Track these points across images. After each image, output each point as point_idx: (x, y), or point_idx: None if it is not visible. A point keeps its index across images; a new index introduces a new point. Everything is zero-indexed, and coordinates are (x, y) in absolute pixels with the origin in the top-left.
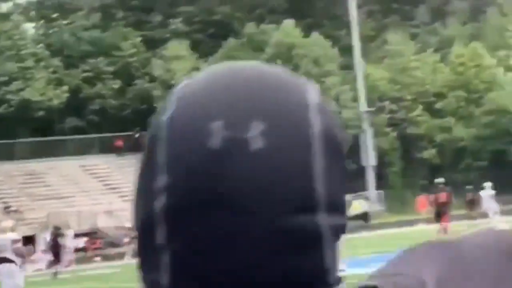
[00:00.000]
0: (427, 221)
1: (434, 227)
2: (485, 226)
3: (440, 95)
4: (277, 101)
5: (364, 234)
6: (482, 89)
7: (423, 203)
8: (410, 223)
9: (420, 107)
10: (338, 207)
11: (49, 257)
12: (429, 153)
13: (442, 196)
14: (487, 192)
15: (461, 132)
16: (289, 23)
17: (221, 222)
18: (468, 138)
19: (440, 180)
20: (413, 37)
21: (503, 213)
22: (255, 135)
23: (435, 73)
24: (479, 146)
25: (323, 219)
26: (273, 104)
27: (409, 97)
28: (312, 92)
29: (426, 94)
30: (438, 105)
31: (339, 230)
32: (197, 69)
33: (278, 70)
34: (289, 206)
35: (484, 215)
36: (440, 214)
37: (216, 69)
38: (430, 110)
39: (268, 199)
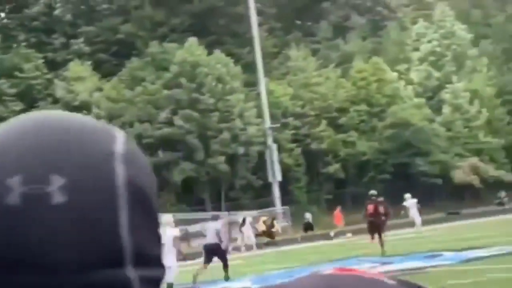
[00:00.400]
0: (333, 235)
1: (339, 241)
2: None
3: (342, 110)
4: (79, 153)
5: (270, 250)
6: (383, 103)
7: (339, 217)
8: (317, 238)
9: (324, 122)
10: (148, 259)
11: None
12: (333, 168)
13: (370, 208)
14: (411, 202)
15: (364, 146)
16: (192, 41)
17: (24, 282)
18: (371, 152)
19: (373, 192)
20: (315, 52)
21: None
22: (55, 189)
23: (337, 88)
24: (382, 159)
25: (132, 273)
26: (74, 156)
27: (312, 113)
28: (119, 141)
29: (329, 109)
30: (341, 120)
31: (152, 282)
32: (100, 89)
33: (82, 119)
34: (94, 261)
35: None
36: (372, 226)
37: (16, 121)
38: (333, 125)
39: (72, 255)
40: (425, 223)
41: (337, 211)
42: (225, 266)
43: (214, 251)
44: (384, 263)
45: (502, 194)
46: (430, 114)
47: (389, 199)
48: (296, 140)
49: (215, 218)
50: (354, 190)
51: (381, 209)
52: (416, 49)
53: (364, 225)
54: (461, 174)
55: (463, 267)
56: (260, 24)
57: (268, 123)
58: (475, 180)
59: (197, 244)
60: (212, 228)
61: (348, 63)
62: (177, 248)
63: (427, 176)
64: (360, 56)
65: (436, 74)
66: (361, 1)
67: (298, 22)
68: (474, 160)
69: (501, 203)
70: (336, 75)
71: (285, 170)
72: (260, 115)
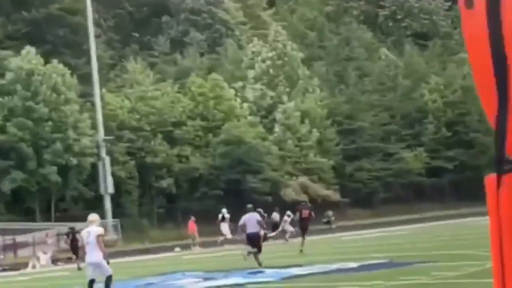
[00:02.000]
0: (165, 249)
1: (166, 256)
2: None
3: (178, 125)
4: None
5: None
6: (219, 119)
7: (192, 227)
8: (147, 251)
9: (159, 136)
10: None
11: None
12: (166, 182)
13: (305, 213)
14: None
15: (198, 162)
16: (28, 50)
17: None
18: (204, 167)
19: (304, 199)
20: (152, 66)
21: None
22: None
23: (174, 103)
24: (214, 175)
25: None
26: None
27: (148, 127)
28: None
29: (165, 123)
30: (176, 135)
31: None
32: None
33: None
34: None
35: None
36: (303, 227)
37: None
38: (169, 139)
39: None
40: None
41: (191, 222)
42: (259, 252)
43: (254, 239)
44: (207, 279)
45: (330, 213)
46: (263, 132)
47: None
48: (130, 153)
49: (253, 210)
50: (186, 205)
51: (312, 213)
52: (252, 68)
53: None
54: (290, 192)
55: (282, 285)
56: (98, 36)
57: (102, 135)
58: (304, 199)
59: (26, 254)
60: (253, 218)
61: (185, 78)
62: (102, 246)
63: (258, 193)
64: (197, 71)
65: (270, 93)
66: (200, 18)
67: (136, 35)
68: (304, 179)
69: (328, 222)
70: (173, 90)
71: (118, 182)
72: (94, 126)
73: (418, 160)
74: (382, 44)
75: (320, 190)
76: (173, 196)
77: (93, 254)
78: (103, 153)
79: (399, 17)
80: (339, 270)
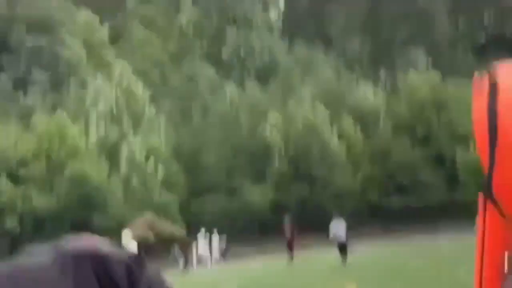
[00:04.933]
0: None
1: None
2: None
3: (22, 164)
4: None
5: None
6: (64, 158)
7: None
8: None
9: (4, 175)
10: None
11: None
12: (10, 224)
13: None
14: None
15: (42, 202)
16: None
17: None
18: (49, 207)
19: (287, 217)
20: None
21: None
22: None
23: (18, 142)
24: (60, 215)
25: None
26: None
27: None
28: None
29: (8, 162)
30: (21, 173)
31: None
32: None
33: None
34: None
35: None
36: (289, 244)
37: None
38: (13, 178)
39: None
40: None
41: None
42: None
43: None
44: None
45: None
46: (108, 170)
47: None
48: None
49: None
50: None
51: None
52: (96, 106)
53: None
54: (137, 229)
55: None
56: None
57: None
58: (150, 236)
59: None
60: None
61: (28, 117)
62: None
63: (104, 230)
64: (41, 110)
65: (115, 131)
66: (42, 57)
67: None
68: (149, 216)
69: (175, 259)
70: (17, 128)
71: None
72: None
73: (263, 196)
74: (225, 80)
75: (166, 226)
76: (16, 237)
77: None
78: None
79: (241, 54)
80: None
